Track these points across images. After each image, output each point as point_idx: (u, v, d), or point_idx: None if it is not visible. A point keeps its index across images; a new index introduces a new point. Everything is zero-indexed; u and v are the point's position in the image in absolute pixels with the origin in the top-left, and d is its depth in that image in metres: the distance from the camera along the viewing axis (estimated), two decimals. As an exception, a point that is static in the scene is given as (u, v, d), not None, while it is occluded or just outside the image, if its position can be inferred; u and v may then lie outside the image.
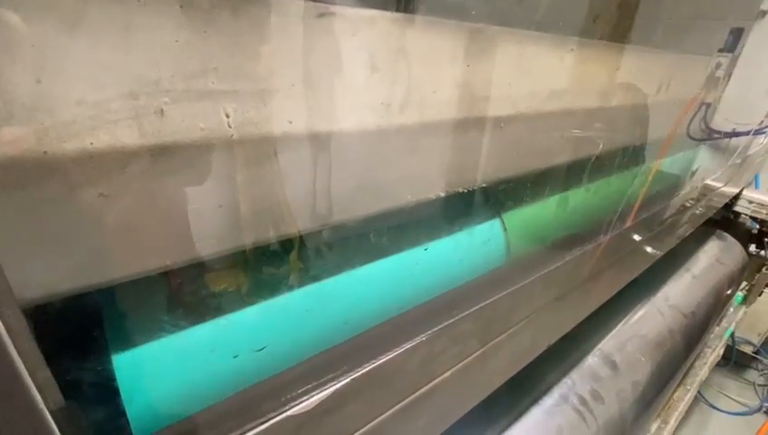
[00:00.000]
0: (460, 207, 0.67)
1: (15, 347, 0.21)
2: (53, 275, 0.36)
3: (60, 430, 0.24)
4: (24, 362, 0.21)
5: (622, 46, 0.92)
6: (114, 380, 0.36)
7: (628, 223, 1.12)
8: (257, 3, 0.39)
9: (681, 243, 1.50)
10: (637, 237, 1.15)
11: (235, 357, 0.37)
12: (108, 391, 0.36)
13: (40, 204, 0.34)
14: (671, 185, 1.44)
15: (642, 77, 1.06)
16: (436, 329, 0.47)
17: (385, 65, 0.49)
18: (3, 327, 0.20)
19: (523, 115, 0.71)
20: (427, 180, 0.60)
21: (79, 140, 0.33)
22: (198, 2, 0.36)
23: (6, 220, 0.33)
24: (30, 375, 0.22)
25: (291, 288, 0.43)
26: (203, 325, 0.39)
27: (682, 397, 1.56)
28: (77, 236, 0.36)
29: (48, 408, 0.23)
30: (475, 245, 0.67)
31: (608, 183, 1.14)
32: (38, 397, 0.22)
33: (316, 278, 0.45)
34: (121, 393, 0.37)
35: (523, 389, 0.94)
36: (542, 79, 0.73)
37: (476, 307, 0.53)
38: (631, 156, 1.23)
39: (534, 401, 0.94)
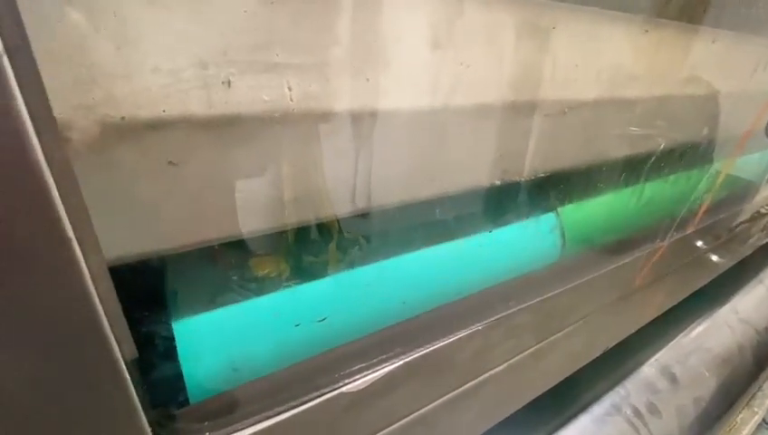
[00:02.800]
0: (523, 197, 0.64)
1: (99, 298, 0.21)
2: (119, 238, 0.37)
3: (132, 380, 0.24)
4: (106, 313, 0.22)
5: (699, 28, 0.84)
6: (175, 343, 0.37)
7: (697, 226, 1.02)
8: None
9: (755, 252, 1.36)
10: (705, 244, 1.05)
11: (296, 326, 0.37)
12: (170, 354, 0.37)
13: (115, 168, 0.35)
14: (744, 188, 1.31)
15: (722, 66, 0.96)
16: (492, 319, 0.44)
17: (449, 42, 0.47)
18: (89, 276, 0.20)
19: (589, 101, 0.66)
20: (486, 166, 0.57)
21: (153, 108, 0.34)
22: (267, -29, 0.35)
23: (85, 182, 0.34)
24: (110, 326, 0.22)
25: (353, 264, 0.42)
26: (265, 297, 0.39)
27: (747, 420, 1.41)
28: (145, 202, 0.37)
29: (124, 359, 0.23)
30: (533, 236, 0.64)
31: (672, 182, 1.04)
32: (116, 347, 0.23)
33: (378, 256, 0.44)
34: (181, 358, 0.38)
35: (571, 394, 0.88)
36: (613, 63, 0.67)
37: (534, 300, 0.50)
38: (701, 153, 1.12)
39: (583, 408, 0.88)
